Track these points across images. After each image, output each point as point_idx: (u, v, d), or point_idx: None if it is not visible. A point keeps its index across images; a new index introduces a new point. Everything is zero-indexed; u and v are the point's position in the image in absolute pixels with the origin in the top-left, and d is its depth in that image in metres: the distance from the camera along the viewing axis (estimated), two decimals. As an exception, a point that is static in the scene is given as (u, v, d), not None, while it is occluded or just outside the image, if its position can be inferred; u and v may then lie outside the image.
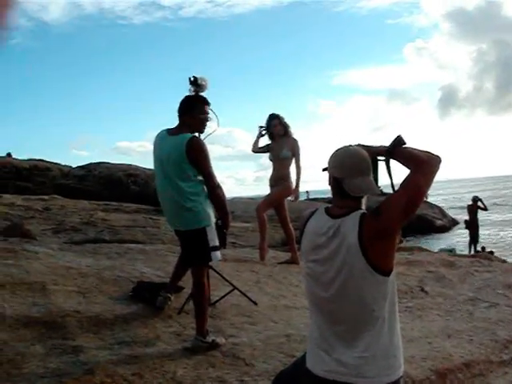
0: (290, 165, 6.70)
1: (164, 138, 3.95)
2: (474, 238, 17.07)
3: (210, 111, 4.04)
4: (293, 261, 6.56)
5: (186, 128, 3.92)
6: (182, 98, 4.01)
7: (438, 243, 22.68)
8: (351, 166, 2.12)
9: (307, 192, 37.51)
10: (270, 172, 6.86)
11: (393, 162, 2.16)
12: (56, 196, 15.90)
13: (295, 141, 6.72)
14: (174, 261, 4.75)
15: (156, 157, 3.98)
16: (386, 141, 2.16)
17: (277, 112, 6.87)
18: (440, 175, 2.13)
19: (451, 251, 15.66)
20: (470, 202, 17.39)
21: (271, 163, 6.81)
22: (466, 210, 17.90)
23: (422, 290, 6.24)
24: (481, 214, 17.41)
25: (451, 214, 33.18)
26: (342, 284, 2.08)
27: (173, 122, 4.04)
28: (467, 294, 6.16)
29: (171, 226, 4.15)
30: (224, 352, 3.77)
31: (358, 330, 2.08)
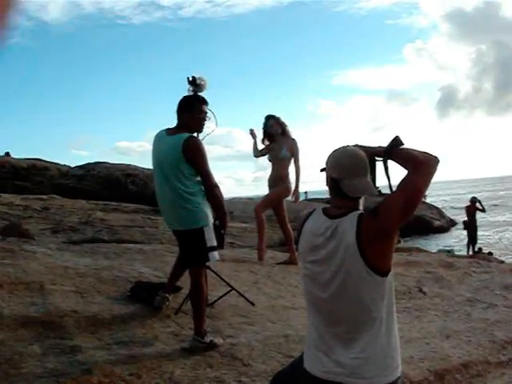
0: (288, 165, 6.69)
1: (162, 138, 3.95)
2: (472, 239, 17.10)
3: (208, 111, 4.04)
4: (291, 261, 6.57)
5: (184, 128, 3.92)
6: (181, 97, 4.01)
7: (436, 244, 22.71)
8: (349, 167, 2.12)
9: (305, 192, 37.52)
10: (268, 172, 6.86)
11: (391, 163, 2.16)
12: (54, 196, 15.89)
13: (294, 141, 6.71)
14: (172, 261, 4.75)
15: (154, 157, 3.99)
16: (385, 141, 2.17)
17: (277, 112, 6.87)
18: (438, 176, 2.14)
19: (449, 252, 15.68)
20: (469, 203, 17.42)
21: (270, 163, 6.81)
22: (464, 211, 17.92)
23: (420, 290, 6.25)
24: (479, 215, 17.44)
25: (449, 214, 33.22)
26: (339, 285, 2.08)
27: (172, 121, 4.04)
28: (465, 295, 6.16)
29: (169, 226, 4.15)
30: (222, 352, 3.77)
31: (355, 331, 2.08)
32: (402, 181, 2.03)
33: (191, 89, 4.09)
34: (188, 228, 3.86)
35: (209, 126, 4.13)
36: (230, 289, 4.83)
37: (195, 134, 3.99)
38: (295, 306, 5.09)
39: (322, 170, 2.24)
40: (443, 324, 5.04)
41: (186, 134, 3.84)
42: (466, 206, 17.54)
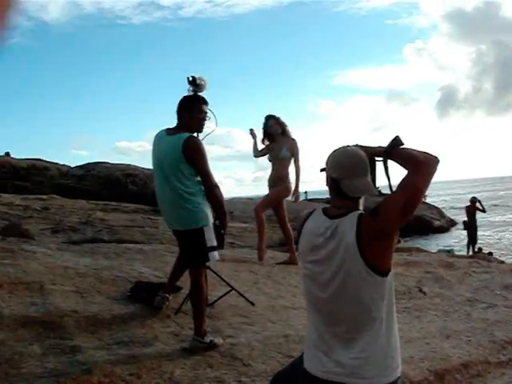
0: (288, 165, 6.69)
1: (162, 138, 3.95)
2: (472, 239, 17.10)
3: (208, 111, 4.04)
4: (291, 261, 6.57)
5: (184, 128, 3.92)
6: (181, 97, 4.01)
7: (436, 244, 22.72)
8: (349, 167, 2.12)
9: (305, 192, 37.52)
10: (268, 172, 6.86)
11: (391, 163, 2.16)
12: (54, 196, 15.90)
13: (294, 141, 6.71)
14: (172, 261, 4.75)
15: (154, 157, 3.99)
16: (385, 141, 2.16)
17: (277, 112, 6.87)
18: (438, 176, 2.14)
19: (449, 252, 15.69)
20: (469, 203, 17.42)
21: (270, 163, 6.80)
22: (464, 211, 17.92)
23: (421, 290, 6.25)
24: (479, 215, 17.44)
25: (449, 214, 33.23)
26: (339, 285, 2.08)
27: (172, 121, 4.04)
28: (465, 295, 6.16)
29: (169, 226, 4.15)
30: (222, 352, 3.77)
31: (355, 331, 2.08)
32: (402, 181, 2.03)
33: (191, 89, 4.09)
34: (188, 228, 3.86)
35: (209, 125, 4.13)
36: (229, 289, 4.83)
37: (195, 134, 3.99)
38: (295, 305, 5.09)
39: (321, 170, 2.24)
40: (443, 324, 5.04)
41: (186, 134, 3.85)
42: (466, 206, 17.55)
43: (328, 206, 2.23)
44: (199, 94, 4.08)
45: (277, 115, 6.81)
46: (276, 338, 4.13)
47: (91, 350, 3.61)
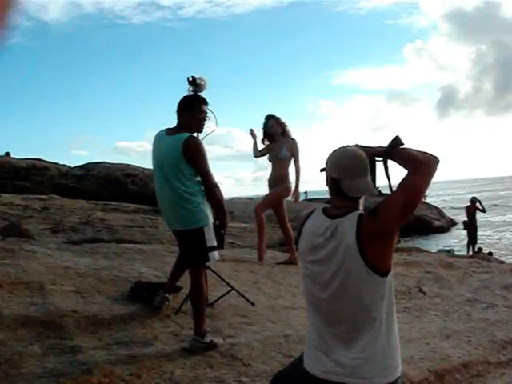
0: (288, 165, 6.69)
1: (162, 138, 3.95)
2: (472, 239, 17.10)
3: (208, 111, 4.04)
4: (291, 261, 6.57)
5: (184, 128, 3.92)
6: (181, 97, 4.01)
7: (436, 244, 22.72)
8: (349, 167, 2.12)
9: (305, 192, 37.52)
10: (268, 172, 6.86)
11: (391, 163, 2.16)
12: (54, 196, 15.90)
13: (294, 141, 6.71)
14: (172, 261, 4.75)
15: (154, 157, 3.99)
16: (385, 141, 2.16)
17: (277, 112, 6.87)
18: (439, 176, 2.13)
19: (449, 252, 15.69)
20: (469, 203, 17.43)
21: (270, 163, 6.80)
22: (464, 211, 17.93)
23: (421, 290, 6.25)
24: (479, 215, 17.45)
25: (449, 214, 33.23)
26: (339, 285, 2.08)
27: (172, 121, 4.05)
28: (465, 295, 6.16)
29: (169, 226, 4.15)
30: (222, 352, 3.77)
31: (355, 331, 2.08)
32: (402, 181, 2.03)
33: (191, 89, 4.09)
34: (188, 228, 3.86)
35: (209, 125, 4.13)
36: (229, 289, 4.83)
37: (195, 134, 3.99)
38: (295, 305, 5.09)
39: (321, 170, 2.24)
40: (443, 324, 5.04)
41: (186, 134, 3.85)
42: (466, 206, 17.55)
43: (328, 206, 2.23)
44: (199, 93, 4.08)
45: (277, 115, 6.81)
46: (276, 338, 4.13)
47: (91, 349, 3.61)
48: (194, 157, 3.81)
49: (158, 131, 4.07)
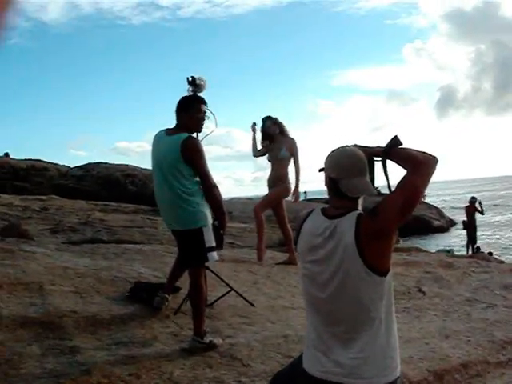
0: (288, 165, 6.69)
1: (162, 139, 3.95)
2: (471, 239, 17.11)
3: (207, 110, 4.04)
4: (290, 261, 6.57)
5: (183, 128, 3.92)
6: (180, 98, 4.02)
7: (435, 244, 22.72)
8: (348, 167, 2.12)
9: (305, 192, 37.50)
10: (268, 172, 6.86)
11: (389, 163, 2.16)
12: (54, 196, 15.88)
13: (293, 140, 6.71)
14: (172, 261, 4.74)
15: (154, 157, 3.99)
16: (384, 141, 2.16)
17: (276, 112, 6.89)
18: (438, 176, 2.14)
19: (449, 252, 15.69)
20: (468, 203, 17.44)
21: (269, 164, 6.80)
22: (463, 211, 17.94)
23: (420, 290, 6.24)
24: (479, 215, 17.46)
25: (449, 214, 33.22)
26: (338, 285, 2.08)
27: (171, 122, 4.05)
28: (465, 295, 6.16)
29: (168, 226, 4.15)
30: (221, 353, 3.77)
31: (354, 331, 2.08)
32: (401, 181, 2.03)
33: (191, 89, 4.09)
34: (187, 228, 3.86)
35: (208, 126, 4.13)
36: (229, 289, 4.82)
37: (195, 134, 3.99)
38: (294, 306, 5.08)
39: (320, 170, 2.24)
40: (442, 324, 5.04)
41: (185, 135, 3.85)
42: (466, 206, 17.57)
43: (327, 206, 2.23)
44: (199, 94, 4.08)
45: (274, 116, 6.82)
46: (275, 338, 4.13)
47: (90, 350, 3.61)
48: (193, 157, 3.81)
49: (158, 131, 4.07)
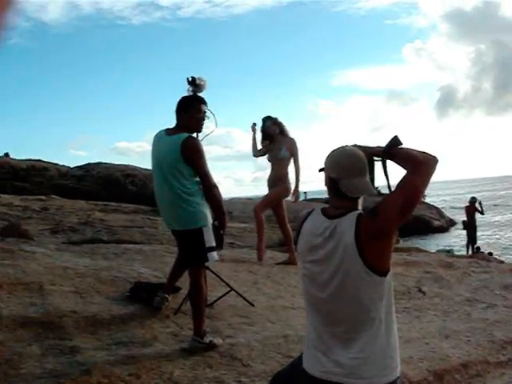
0: (288, 165, 6.70)
1: (162, 139, 3.96)
2: (471, 239, 17.11)
3: (207, 110, 4.04)
4: (290, 261, 6.57)
5: (183, 128, 3.93)
6: (179, 98, 4.02)
7: (435, 244, 22.71)
8: (348, 167, 2.12)
9: (305, 192, 37.48)
10: (268, 172, 6.86)
11: (389, 163, 2.16)
12: (54, 196, 15.88)
13: (293, 140, 6.71)
14: (172, 261, 4.74)
15: (154, 157, 3.99)
16: (384, 141, 2.16)
17: (276, 113, 6.90)
18: (438, 176, 2.13)
19: (449, 252, 15.69)
20: (468, 203, 17.45)
21: (269, 164, 6.81)
22: (463, 211, 17.95)
23: (420, 290, 6.24)
24: (479, 215, 17.47)
25: (449, 214, 33.22)
26: (338, 285, 2.08)
27: (172, 122, 4.05)
28: (465, 295, 6.16)
29: (168, 226, 4.16)
30: (221, 353, 3.77)
31: (354, 331, 2.08)
32: (401, 181, 2.03)
33: (191, 89, 4.09)
34: (187, 228, 3.86)
35: (208, 126, 4.13)
36: (229, 289, 4.82)
37: (195, 134, 3.99)
38: (294, 306, 5.08)
39: (320, 170, 2.24)
40: (442, 324, 5.04)
41: (185, 134, 3.85)
42: (466, 206, 17.58)
43: (327, 206, 2.23)
44: (199, 94, 4.08)
45: (274, 116, 6.83)
46: (275, 338, 4.13)
47: (90, 350, 3.61)
48: (193, 157, 3.81)
49: (158, 131, 4.07)
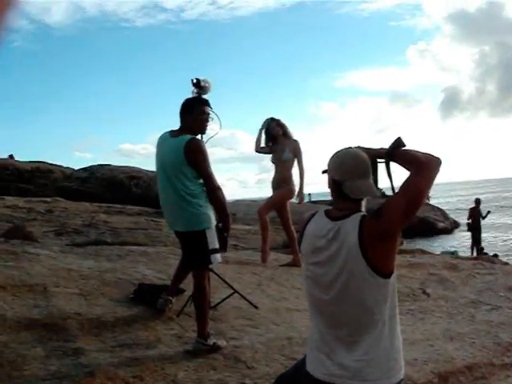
0: (291, 167, 6.70)
1: (166, 140, 3.96)
2: (476, 241, 17.07)
3: (210, 112, 4.04)
4: (294, 263, 6.56)
5: (187, 130, 3.93)
6: (183, 100, 4.02)
7: (439, 246, 22.64)
8: (351, 169, 2.12)
9: (309, 194, 37.45)
10: (272, 174, 6.87)
11: (393, 164, 2.15)
12: (58, 198, 15.91)
13: (296, 142, 6.72)
14: (176, 263, 4.75)
15: (158, 159, 4.00)
16: (388, 142, 2.16)
17: (279, 114, 6.90)
18: (442, 177, 2.13)
19: (453, 253, 15.64)
20: (473, 205, 17.42)
21: (273, 165, 6.81)
22: (468, 213, 17.91)
23: (424, 292, 6.23)
24: (483, 217, 17.43)
25: (453, 216, 33.14)
26: (342, 286, 2.08)
27: (176, 124, 4.05)
28: (469, 297, 6.14)
29: (171, 228, 4.16)
30: (225, 355, 3.76)
31: (358, 333, 2.08)
32: (405, 182, 2.02)
33: (195, 91, 4.09)
34: (190, 230, 3.86)
35: (212, 128, 4.13)
36: (233, 291, 4.82)
37: (199, 136, 3.99)
38: (299, 308, 5.08)
39: (323, 172, 2.24)
40: (447, 326, 5.02)
41: (189, 136, 3.85)
42: (470, 208, 17.54)
43: (330, 208, 2.22)
44: (204, 96, 4.08)
45: (277, 117, 6.84)
46: (279, 340, 4.13)
47: (94, 352, 3.61)
48: (196, 159, 3.81)
49: (162, 133, 4.07)
